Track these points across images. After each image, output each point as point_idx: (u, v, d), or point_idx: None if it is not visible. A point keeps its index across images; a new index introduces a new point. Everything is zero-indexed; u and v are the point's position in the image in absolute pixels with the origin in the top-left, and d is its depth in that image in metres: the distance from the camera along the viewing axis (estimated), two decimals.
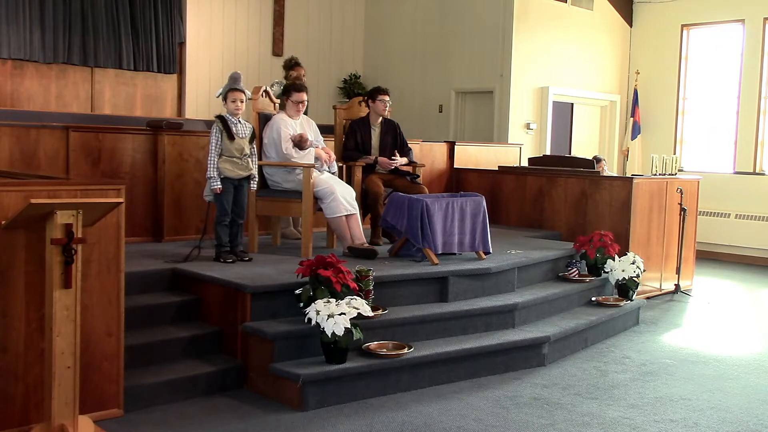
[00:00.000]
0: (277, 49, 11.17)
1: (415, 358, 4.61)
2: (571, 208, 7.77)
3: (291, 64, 7.55)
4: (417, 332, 4.94)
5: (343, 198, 5.78)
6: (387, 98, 6.52)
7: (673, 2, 11.50)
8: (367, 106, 6.59)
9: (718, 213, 10.58)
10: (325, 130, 6.54)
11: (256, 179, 5.61)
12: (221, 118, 5.35)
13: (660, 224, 7.71)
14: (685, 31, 11.52)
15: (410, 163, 6.63)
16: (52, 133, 5.85)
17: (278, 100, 6.17)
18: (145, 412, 4.10)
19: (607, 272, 6.61)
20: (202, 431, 3.92)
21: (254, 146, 5.56)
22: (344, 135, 6.55)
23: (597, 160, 9.27)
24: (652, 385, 4.93)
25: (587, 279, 6.46)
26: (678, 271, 7.82)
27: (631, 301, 6.51)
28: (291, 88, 5.99)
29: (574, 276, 6.44)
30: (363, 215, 6.22)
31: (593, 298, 6.42)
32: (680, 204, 7.68)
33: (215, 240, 5.40)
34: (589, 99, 11.68)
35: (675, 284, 7.83)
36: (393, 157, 6.49)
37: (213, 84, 10.20)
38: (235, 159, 5.33)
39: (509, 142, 10.28)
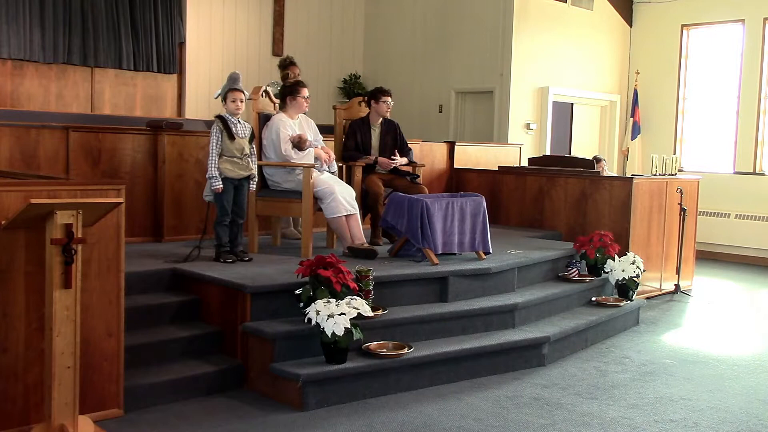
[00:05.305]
0: (277, 49, 11.16)
1: (415, 358, 4.61)
2: (571, 208, 7.77)
3: (286, 63, 7.56)
4: (417, 332, 4.94)
5: (343, 198, 5.77)
6: (389, 99, 6.52)
7: (673, 2, 11.50)
8: (368, 106, 6.58)
9: (718, 213, 10.58)
10: (325, 130, 6.54)
11: (256, 179, 5.61)
12: (221, 118, 5.35)
13: (660, 224, 7.71)
14: (685, 31, 11.52)
15: (410, 163, 6.63)
16: (52, 133, 5.85)
17: (278, 100, 6.16)
18: (145, 412, 4.10)
19: (607, 272, 6.61)
20: (202, 431, 3.92)
21: (254, 146, 5.56)
22: (344, 135, 6.55)
23: (597, 160, 9.26)
24: (652, 385, 4.93)
25: (587, 279, 6.46)
26: (678, 271, 7.82)
27: (631, 301, 6.51)
28: (297, 85, 5.97)
29: (574, 276, 6.44)
30: (363, 215, 6.22)
31: (593, 298, 6.42)
32: (680, 204, 7.68)
33: (215, 240, 5.40)
34: (589, 99, 11.68)
35: (675, 284, 7.83)
36: (393, 157, 6.49)
37: (213, 84, 10.20)
38: (235, 159, 5.33)
39: (509, 142, 10.28)
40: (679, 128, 11.62)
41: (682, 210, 7.68)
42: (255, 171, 5.54)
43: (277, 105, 6.15)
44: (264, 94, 6.04)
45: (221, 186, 5.27)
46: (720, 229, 10.50)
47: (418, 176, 6.59)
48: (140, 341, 4.38)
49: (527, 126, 10.72)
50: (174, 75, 10.26)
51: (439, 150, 8.78)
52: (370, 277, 4.83)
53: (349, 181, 6.30)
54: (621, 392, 4.77)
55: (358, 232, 5.85)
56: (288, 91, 5.96)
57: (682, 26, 11.49)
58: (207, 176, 5.32)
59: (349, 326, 4.24)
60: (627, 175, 9.14)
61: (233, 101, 5.33)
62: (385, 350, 4.61)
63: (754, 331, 6.56)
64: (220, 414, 4.15)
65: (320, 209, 5.81)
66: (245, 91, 5.44)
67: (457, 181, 8.81)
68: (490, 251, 5.95)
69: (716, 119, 11.29)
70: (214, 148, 5.29)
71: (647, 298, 7.38)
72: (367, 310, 4.41)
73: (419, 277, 5.29)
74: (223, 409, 4.21)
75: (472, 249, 5.87)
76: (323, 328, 4.21)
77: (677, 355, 5.70)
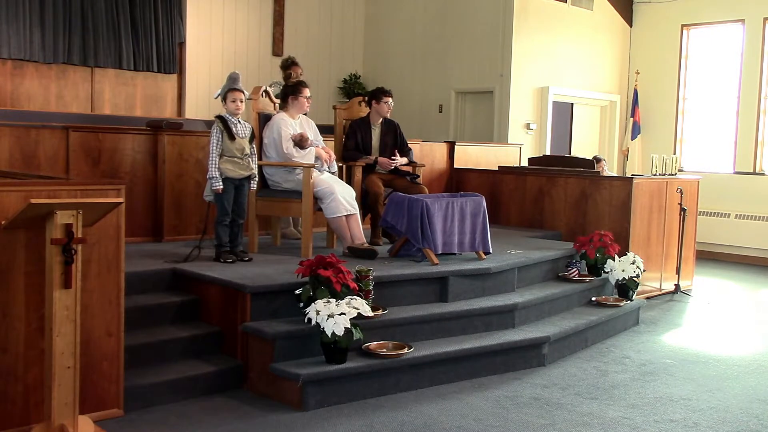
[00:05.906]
0: (277, 49, 11.17)
1: (415, 358, 4.61)
2: (571, 208, 7.77)
3: (288, 64, 7.57)
4: (417, 332, 4.94)
5: (343, 198, 5.77)
6: (391, 100, 6.53)
7: (673, 2, 11.50)
8: (369, 106, 6.58)
9: (718, 213, 10.58)
10: (325, 130, 6.54)
11: (257, 179, 5.61)
12: (221, 118, 5.35)
13: (660, 224, 7.71)
14: (685, 31, 11.52)
15: (410, 163, 6.63)
16: (52, 133, 5.85)
17: (278, 100, 6.16)
18: (145, 412, 4.10)
19: (607, 272, 6.61)
20: (202, 431, 3.92)
21: (254, 146, 5.56)
22: (344, 135, 6.55)
23: (597, 160, 9.26)
24: (652, 385, 4.93)
25: (587, 279, 6.46)
26: (678, 271, 7.82)
27: (631, 301, 6.51)
28: (299, 84, 5.98)
29: (574, 276, 6.44)
30: (363, 215, 6.22)
31: (593, 298, 6.42)
32: (680, 204, 7.68)
33: (215, 240, 5.40)
34: (589, 99, 11.68)
35: (675, 284, 7.83)
36: (393, 157, 6.49)
37: (213, 84, 10.20)
38: (236, 159, 5.33)
39: (509, 142, 10.28)
40: (679, 128, 11.62)
41: (682, 210, 7.68)
42: (255, 171, 5.54)
43: (277, 105, 6.15)
44: (264, 94, 6.04)
45: (222, 186, 5.27)
46: (720, 229, 10.50)
47: (418, 176, 6.59)
48: (140, 341, 4.38)
49: (527, 126, 10.72)
50: (174, 75, 10.26)
51: (439, 150, 8.78)
52: (370, 277, 4.83)
53: (349, 181, 6.30)
54: (621, 392, 4.77)
55: (358, 232, 5.85)
56: (290, 91, 5.96)
57: (682, 26, 11.49)
58: (207, 176, 5.32)
59: (349, 326, 4.24)
60: (627, 175, 9.14)
61: (233, 101, 5.33)
62: (385, 350, 4.62)
63: (754, 331, 6.56)
64: (220, 414, 4.15)
65: (320, 209, 5.82)
66: (245, 91, 5.44)
67: (457, 181, 8.81)
68: (490, 251, 5.95)
69: (716, 119, 11.29)
70: (215, 148, 5.29)
71: (647, 298, 7.38)
72: (367, 310, 4.41)
73: (419, 277, 5.29)
74: (223, 409, 4.21)
75: (472, 249, 5.87)
76: (323, 328, 4.21)
77: (677, 355, 5.70)
